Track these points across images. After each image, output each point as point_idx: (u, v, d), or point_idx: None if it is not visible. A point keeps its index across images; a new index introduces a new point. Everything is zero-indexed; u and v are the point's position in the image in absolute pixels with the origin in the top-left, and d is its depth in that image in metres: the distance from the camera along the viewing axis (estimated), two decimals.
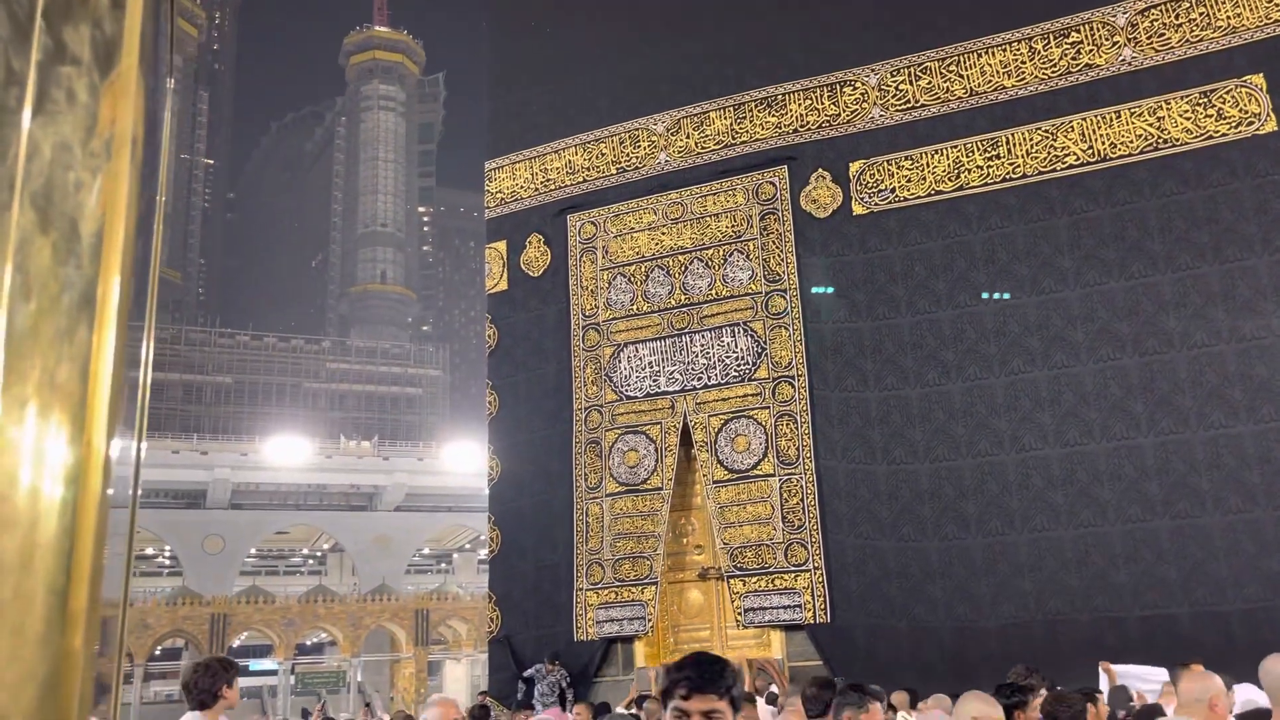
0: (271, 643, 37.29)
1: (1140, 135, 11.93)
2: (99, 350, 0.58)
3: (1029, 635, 11.15)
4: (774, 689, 10.31)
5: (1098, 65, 12.32)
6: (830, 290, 12.98)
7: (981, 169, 12.58)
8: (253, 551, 48.16)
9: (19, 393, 0.51)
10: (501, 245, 15.48)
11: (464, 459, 45.45)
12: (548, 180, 15.22)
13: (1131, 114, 12.01)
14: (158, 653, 38.46)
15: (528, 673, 13.00)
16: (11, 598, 0.50)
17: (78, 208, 0.58)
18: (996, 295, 12.17)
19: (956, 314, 12.37)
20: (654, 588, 12.90)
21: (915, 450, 12.25)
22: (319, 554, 53.33)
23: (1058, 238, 12.06)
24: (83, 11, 0.59)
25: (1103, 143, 12.06)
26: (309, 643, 44.16)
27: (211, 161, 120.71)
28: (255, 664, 43.20)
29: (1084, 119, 12.21)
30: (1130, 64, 12.17)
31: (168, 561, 47.22)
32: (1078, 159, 12.15)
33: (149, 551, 48.06)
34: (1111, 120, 12.09)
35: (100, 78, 0.61)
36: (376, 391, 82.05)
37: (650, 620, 12.85)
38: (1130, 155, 11.91)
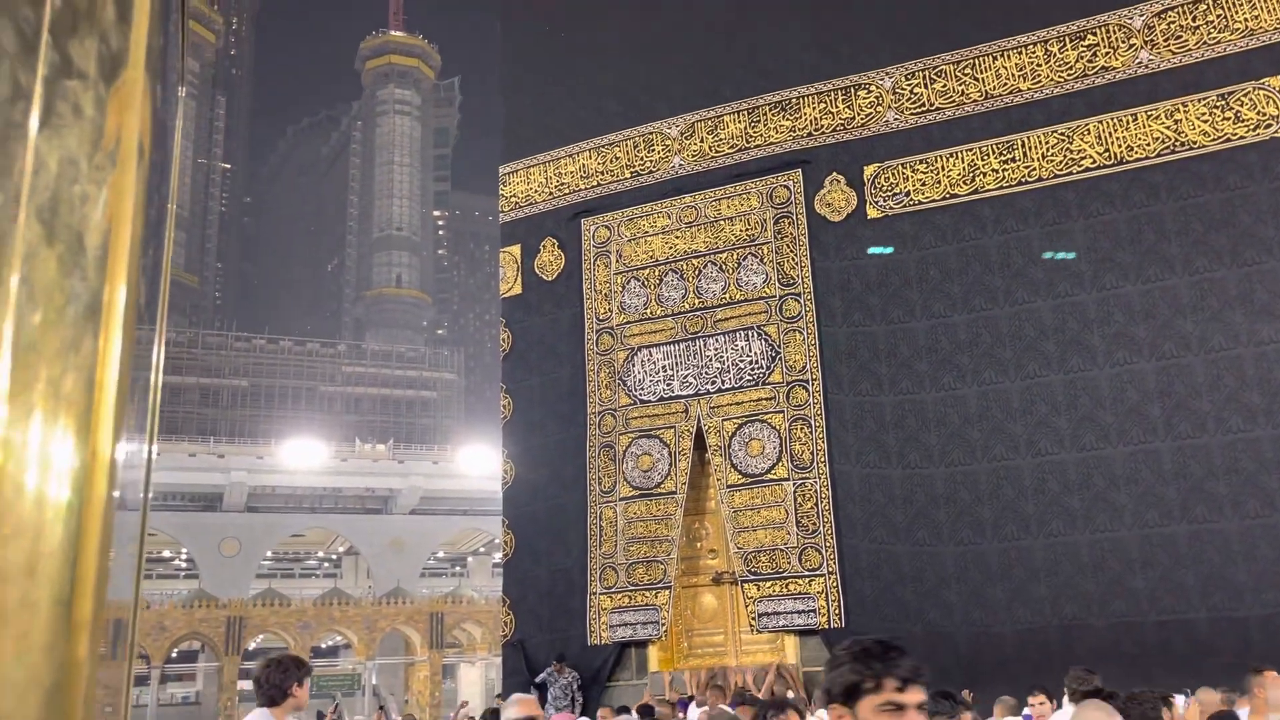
0: (287, 645, 37.43)
1: (1157, 138, 11.86)
2: (104, 359, 0.59)
3: (1045, 641, 11.09)
4: (790, 694, 10.27)
5: (1114, 68, 12.26)
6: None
7: (997, 172, 12.54)
8: (269, 554, 48.35)
9: (25, 402, 0.52)
10: (516, 249, 15.51)
11: (478, 462, 45.54)
12: (562, 184, 15.25)
13: (1148, 117, 11.95)
14: (174, 655, 38.67)
15: (540, 678, 12.99)
16: (17, 606, 0.51)
17: (83, 220, 0.59)
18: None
19: (972, 318, 12.32)
20: (668, 592, 12.89)
21: (930, 455, 12.21)
22: (334, 557, 53.52)
23: (1073, 241, 12.00)
24: (88, 26, 0.60)
25: (1119, 146, 12.00)
26: (324, 645, 44.29)
27: (229, 166, 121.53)
28: None
29: (1100, 122, 12.15)
30: (1147, 67, 12.11)
31: (184, 564, 47.49)
32: (1094, 162, 12.09)
33: (166, 554, 48.36)
34: (1128, 123, 12.03)
35: (106, 91, 0.62)
36: (392, 395, 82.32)
37: (664, 624, 12.83)
38: (1147, 158, 11.85)
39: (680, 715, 10.58)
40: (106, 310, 0.59)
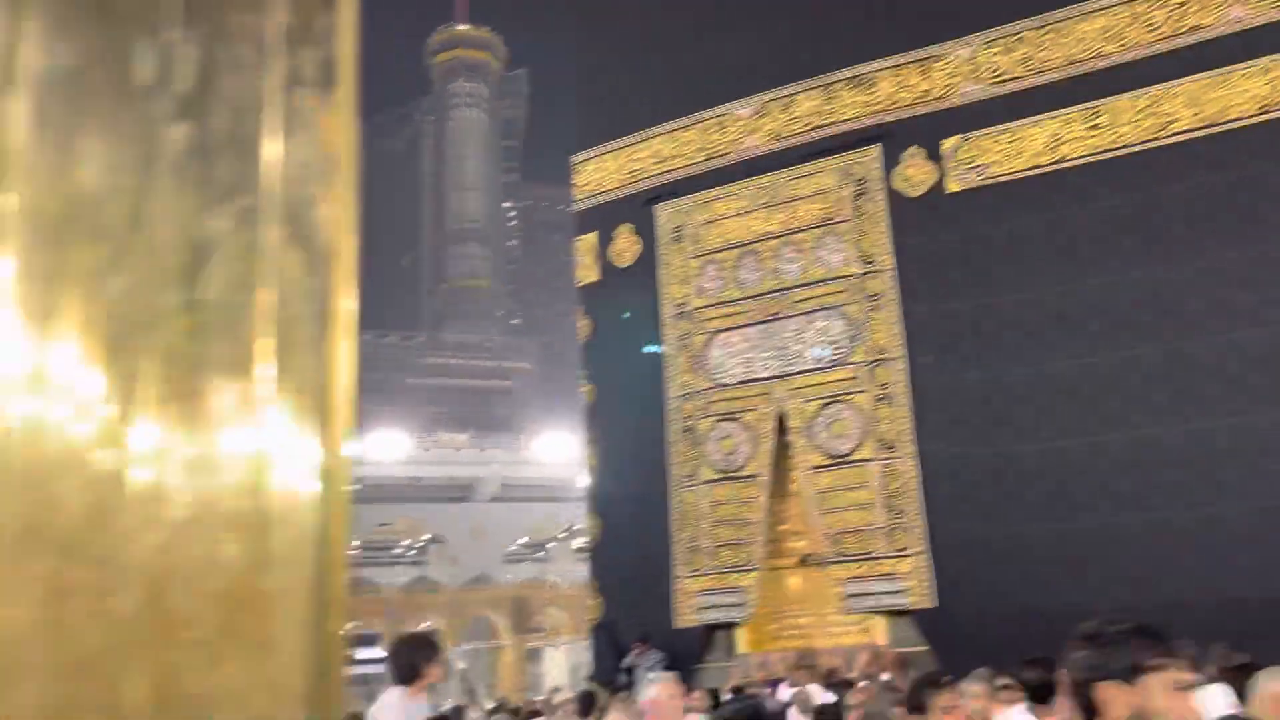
0: (377, 632, 38.34)
1: (1253, 97, 11.37)
2: (339, 356, 0.62)
3: (1142, 619, 10.78)
4: (885, 676, 10.21)
5: (1205, 25, 11.78)
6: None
7: (1082, 140, 12.17)
8: (357, 543, 49.51)
9: (284, 400, 0.55)
10: (591, 237, 15.59)
11: (557, 449, 46.02)
12: (635, 170, 15.26)
13: (1243, 75, 11.46)
14: None
15: (626, 661, 13.07)
16: (285, 588, 0.55)
17: (314, 223, 0.62)
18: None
19: (1060, 290, 11.99)
20: (754, 574, 12.88)
21: (1020, 432, 11.94)
22: (420, 544, 54.59)
23: (1167, 208, 11.59)
24: (311, 36, 0.63)
25: (1212, 107, 11.54)
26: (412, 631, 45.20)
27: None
28: (361, 653, 44.42)
29: (1192, 83, 11.69)
30: (1240, 22, 11.61)
31: None
32: (1186, 125, 11.65)
33: None
34: (1222, 83, 11.55)
35: (326, 98, 0.65)
36: (470, 385, 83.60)
37: (751, 607, 12.83)
38: (1243, 119, 11.37)
39: (769, 692, 10.62)
40: (338, 308, 0.63)
